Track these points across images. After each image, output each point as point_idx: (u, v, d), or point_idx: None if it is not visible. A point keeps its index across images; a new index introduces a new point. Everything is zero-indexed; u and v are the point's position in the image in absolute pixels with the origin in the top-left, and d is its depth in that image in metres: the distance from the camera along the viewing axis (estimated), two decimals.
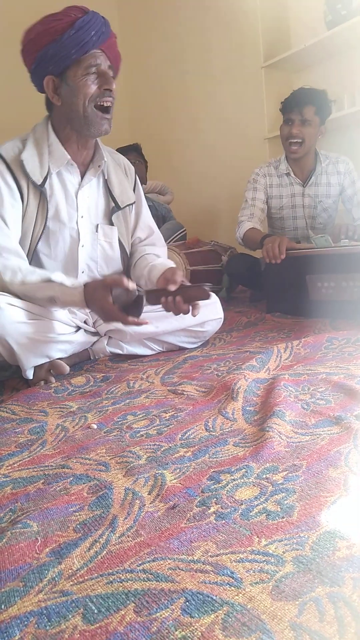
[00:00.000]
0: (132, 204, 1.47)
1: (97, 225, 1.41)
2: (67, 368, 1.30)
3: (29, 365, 1.22)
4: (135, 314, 1.17)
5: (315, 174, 2.10)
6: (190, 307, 1.21)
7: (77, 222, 1.36)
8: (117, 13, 3.63)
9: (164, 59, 3.36)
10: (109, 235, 1.43)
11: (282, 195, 2.14)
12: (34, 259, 1.34)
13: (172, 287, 1.22)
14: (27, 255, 1.31)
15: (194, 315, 1.24)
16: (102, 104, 1.25)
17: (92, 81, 1.22)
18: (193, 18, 3.07)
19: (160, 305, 1.34)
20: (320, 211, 2.14)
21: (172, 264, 1.43)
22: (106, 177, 1.41)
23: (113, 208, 1.42)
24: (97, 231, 1.40)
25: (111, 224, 1.43)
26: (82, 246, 1.38)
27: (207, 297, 1.25)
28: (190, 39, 3.14)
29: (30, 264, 1.30)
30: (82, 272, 1.41)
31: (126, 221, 1.48)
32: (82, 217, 1.37)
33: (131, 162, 2.42)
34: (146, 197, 2.64)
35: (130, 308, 1.17)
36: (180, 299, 1.22)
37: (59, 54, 1.18)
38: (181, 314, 1.31)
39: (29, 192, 1.27)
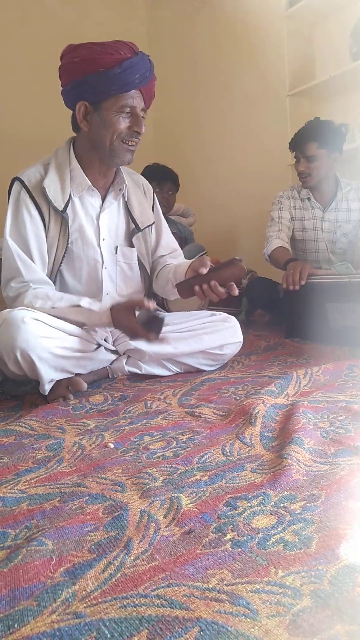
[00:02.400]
0: (151, 225, 1.50)
1: (117, 247, 1.43)
2: (85, 385, 1.31)
3: (47, 380, 1.24)
4: (156, 331, 1.22)
5: (335, 199, 2.13)
6: (228, 291, 1.22)
7: (99, 245, 1.39)
8: (147, 37, 3.75)
9: (192, 85, 3.45)
10: (129, 257, 1.46)
11: (304, 218, 2.18)
12: (57, 280, 1.38)
13: (204, 270, 1.23)
14: (50, 277, 1.34)
15: (234, 294, 1.23)
16: (127, 142, 1.28)
17: (124, 119, 1.25)
18: (221, 45, 3.16)
19: (181, 326, 1.35)
20: (340, 236, 2.16)
21: None
22: (126, 199, 1.44)
23: (133, 230, 1.45)
24: (116, 253, 1.43)
25: (131, 245, 1.46)
26: (105, 268, 1.42)
27: (242, 272, 1.23)
28: (218, 65, 3.22)
29: (54, 284, 1.35)
30: (107, 294, 1.43)
31: (146, 241, 1.51)
32: (103, 239, 1.40)
33: (165, 192, 2.47)
34: (169, 221, 2.68)
35: (152, 327, 1.21)
36: (215, 283, 1.21)
37: (99, 86, 1.20)
38: (201, 339, 1.32)
39: (50, 217, 1.30)
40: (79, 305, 1.25)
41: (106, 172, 1.37)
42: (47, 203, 1.29)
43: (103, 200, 1.40)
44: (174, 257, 1.55)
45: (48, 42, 3.18)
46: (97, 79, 1.19)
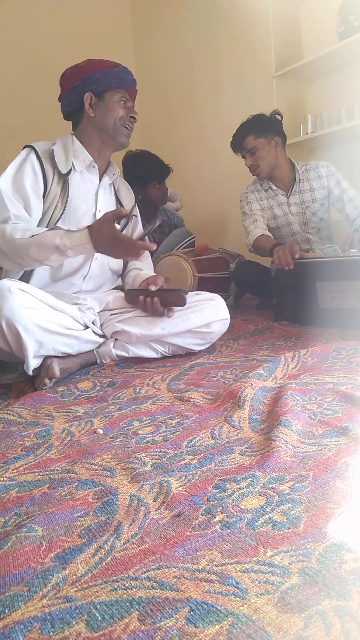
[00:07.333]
0: (135, 216, 1.65)
1: None
2: (58, 373, 1.27)
3: (32, 355, 1.22)
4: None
5: (296, 182, 2.18)
6: (166, 310, 1.39)
7: (94, 215, 1.51)
8: (131, 21, 3.67)
9: (175, 68, 3.39)
10: None
11: (273, 206, 2.25)
12: None
13: (153, 287, 1.39)
14: None
15: (169, 317, 1.41)
16: (126, 126, 1.50)
17: (122, 108, 1.49)
18: (205, 27, 3.10)
19: None
20: (310, 216, 2.19)
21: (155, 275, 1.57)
22: (116, 189, 1.61)
23: None
24: None
25: None
26: None
27: (183, 303, 1.39)
28: (202, 47, 3.16)
29: None
30: (96, 259, 1.51)
31: (128, 231, 1.61)
32: (99, 211, 1.52)
33: (163, 186, 2.48)
34: (160, 209, 2.67)
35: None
36: (157, 300, 1.38)
37: (103, 79, 1.46)
38: (188, 318, 1.35)
39: (54, 179, 1.42)
40: (55, 228, 1.30)
41: (104, 154, 1.53)
42: (52, 167, 1.42)
43: (99, 181, 1.54)
44: (140, 261, 1.66)
45: (30, 27, 3.10)
46: (102, 74, 1.45)
